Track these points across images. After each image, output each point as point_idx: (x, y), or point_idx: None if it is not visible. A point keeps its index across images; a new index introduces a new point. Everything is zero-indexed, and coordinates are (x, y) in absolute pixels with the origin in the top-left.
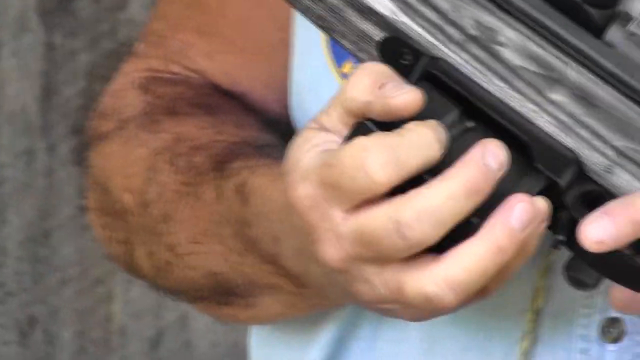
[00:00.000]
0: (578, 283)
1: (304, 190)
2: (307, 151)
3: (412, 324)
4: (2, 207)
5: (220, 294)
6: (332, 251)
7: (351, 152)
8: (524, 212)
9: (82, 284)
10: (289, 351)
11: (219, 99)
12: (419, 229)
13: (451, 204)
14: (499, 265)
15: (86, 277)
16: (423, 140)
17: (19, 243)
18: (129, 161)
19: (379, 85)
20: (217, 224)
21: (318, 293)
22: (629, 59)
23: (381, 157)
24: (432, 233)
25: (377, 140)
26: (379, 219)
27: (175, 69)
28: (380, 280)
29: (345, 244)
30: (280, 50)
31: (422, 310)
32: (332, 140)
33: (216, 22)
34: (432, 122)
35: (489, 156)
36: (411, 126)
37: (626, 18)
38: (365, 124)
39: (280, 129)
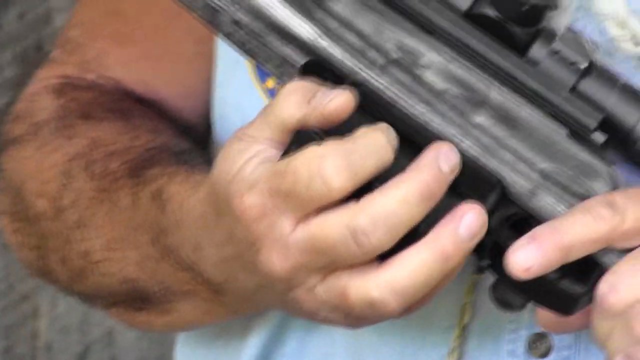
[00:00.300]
0: (504, 304)
1: (251, 200)
2: (246, 162)
3: (339, 338)
4: None
5: (135, 300)
6: (279, 260)
7: (305, 159)
8: (474, 221)
9: (8, 300)
10: None
11: (133, 105)
12: (374, 235)
13: (406, 208)
14: (444, 272)
15: (12, 293)
16: (376, 144)
17: None
18: (44, 166)
19: (308, 99)
20: (134, 231)
21: (240, 301)
22: (553, 77)
23: (337, 163)
24: (387, 239)
25: (331, 147)
26: (334, 226)
27: (91, 76)
28: (324, 288)
29: (295, 253)
30: (197, 63)
31: (365, 317)
32: (268, 151)
33: (133, 31)
34: (383, 126)
35: (442, 160)
36: (363, 131)
37: (550, 35)
38: (308, 132)
39: (194, 137)
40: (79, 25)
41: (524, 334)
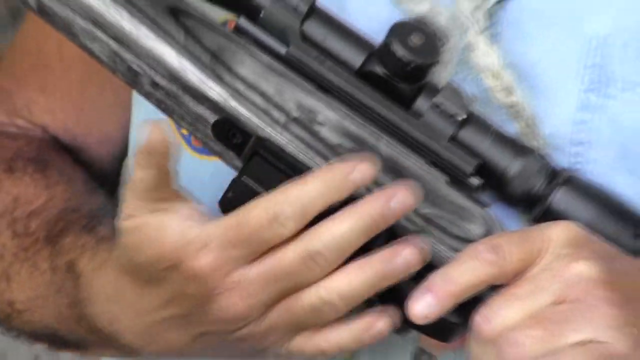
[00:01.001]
0: (393, 330)
1: (207, 258)
2: (186, 228)
3: None
4: None
5: (56, 342)
6: (242, 299)
7: (260, 209)
8: (413, 255)
9: None
10: None
11: (56, 154)
12: (328, 257)
13: (355, 235)
14: (375, 288)
15: None
16: (328, 184)
17: None
18: None
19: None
20: (54, 293)
21: (162, 353)
22: (434, 128)
23: (291, 210)
24: (338, 260)
25: (283, 194)
26: (291, 254)
27: (20, 122)
28: (277, 310)
29: (257, 287)
30: (116, 111)
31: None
32: (193, 212)
33: (58, 81)
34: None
35: (394, 201)
36: (315, 174)
37: (433, 90)
38: (242, 182)
39: (110, 183)
40: (9, 75)
41: (409, 349)
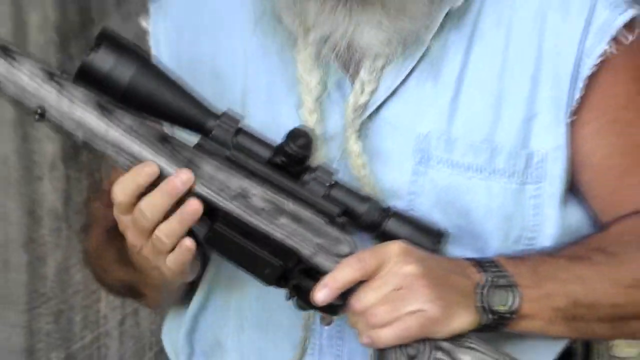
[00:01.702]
0: (302, 309)
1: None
2: None
3: (232, 304)
4: None
5: (129, 289)
6: (130, 237)
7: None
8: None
9: None
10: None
11: None
12: (150, 214)
13: (161, 198)
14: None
15: None
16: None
17: None
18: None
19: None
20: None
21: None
22: (315, 191)
23: (147, 210)
24: (159, 212)
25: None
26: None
27: None
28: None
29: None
30: None
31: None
32: None
33: None
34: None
35: (181, 176)
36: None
37: (312, 169)
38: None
39: None
40: None
41: (318, 314)
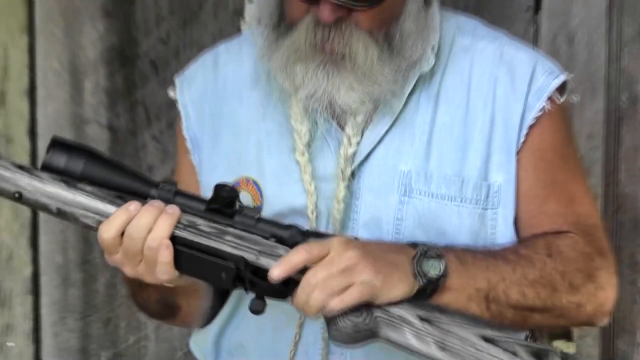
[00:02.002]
0: (259, 299)
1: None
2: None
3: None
4: None
5: (164, 306)
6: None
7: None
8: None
9: None
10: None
11: None
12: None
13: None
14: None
15: None
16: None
17: None
18: None
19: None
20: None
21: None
22: (248, 224)
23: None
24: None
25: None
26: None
27: None
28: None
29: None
30: None
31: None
32: None
33: None
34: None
35: (169, 209)
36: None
37: (241, 209)
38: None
39: None
40: None
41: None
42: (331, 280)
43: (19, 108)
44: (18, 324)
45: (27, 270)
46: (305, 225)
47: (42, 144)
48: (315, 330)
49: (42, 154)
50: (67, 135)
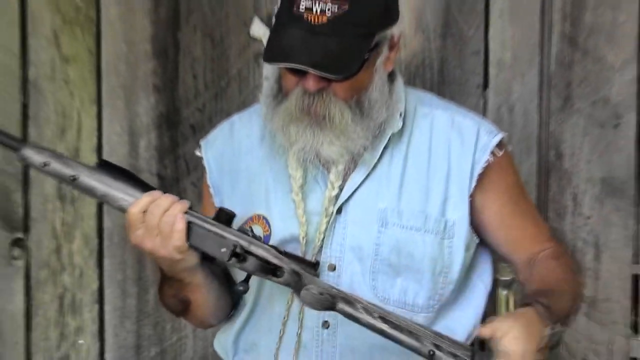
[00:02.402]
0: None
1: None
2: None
3: (266, 317)
4: None
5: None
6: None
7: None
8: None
9: None
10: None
11: None
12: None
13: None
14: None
15: None
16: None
17: None
18: None
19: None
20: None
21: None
22: (245, 232)
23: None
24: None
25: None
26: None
27: None
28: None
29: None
30: None
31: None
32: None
33: None
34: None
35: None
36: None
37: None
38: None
39: None
40: None
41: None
42: None
43: (89, 161)
44: (87, 327)
45: (95, 285)
46: (298, 249)
47: None
48: (314, 331)
49: None
50: None
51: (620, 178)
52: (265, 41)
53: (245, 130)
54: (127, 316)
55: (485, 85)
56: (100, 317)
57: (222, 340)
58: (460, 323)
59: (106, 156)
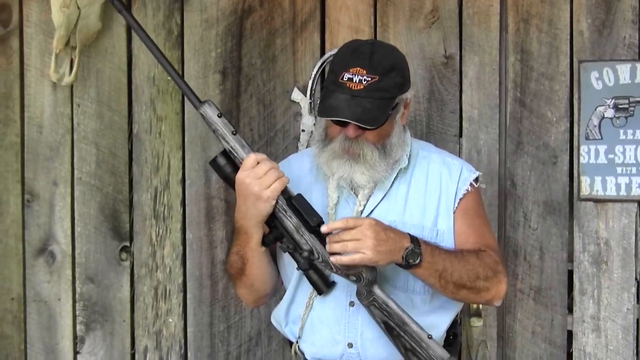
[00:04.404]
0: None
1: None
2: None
3: (306, 294)
4: None
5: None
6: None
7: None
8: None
9: None
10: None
11: None
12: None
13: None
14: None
15: None
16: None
17: None
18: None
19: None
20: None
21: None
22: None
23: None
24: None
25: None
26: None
27: None
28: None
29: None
30: None
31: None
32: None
33: None
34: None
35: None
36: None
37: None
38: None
39: None
40: None
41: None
42: (349, 243)
43: (177, 190)
44: (174, 309)
45: (180, 279)
46: None
47: (189, 210)
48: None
49: (189, 215)
50: (200, 207)
51: (557, 201)
52: (303, 105)
53: (297, 164)
54: (203, 301)
55: (460, 134)
56: (184, 302)
57: (276, 315)
58: (447, 300)
59: (188, 187)
